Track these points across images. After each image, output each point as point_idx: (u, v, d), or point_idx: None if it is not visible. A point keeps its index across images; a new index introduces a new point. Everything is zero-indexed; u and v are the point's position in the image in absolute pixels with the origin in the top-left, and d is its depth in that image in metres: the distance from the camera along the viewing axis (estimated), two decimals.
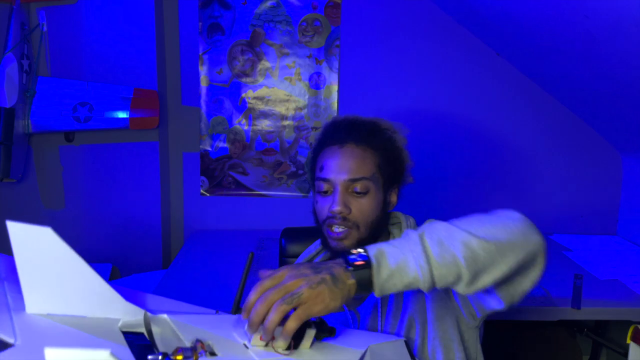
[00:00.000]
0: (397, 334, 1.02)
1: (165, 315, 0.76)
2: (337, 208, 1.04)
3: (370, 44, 2.43)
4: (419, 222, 1.16)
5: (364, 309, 1.10)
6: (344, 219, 1.05)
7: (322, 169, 1.09)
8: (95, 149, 2.32)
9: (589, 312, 1.74)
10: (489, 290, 0.91)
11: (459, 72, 2.46)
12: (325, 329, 0.79)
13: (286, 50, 2.42)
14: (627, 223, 2.50)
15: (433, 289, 0.81)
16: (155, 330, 0.74)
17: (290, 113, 2.47)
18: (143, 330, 0.73)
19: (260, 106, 2.46)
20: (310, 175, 1.15)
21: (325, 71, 2.44)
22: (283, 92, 2.45)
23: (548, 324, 1.77)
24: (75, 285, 0.72)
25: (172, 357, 0.64)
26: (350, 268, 0.79)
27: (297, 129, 2.48)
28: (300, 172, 2.52)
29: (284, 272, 0.77)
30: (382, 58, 2.44)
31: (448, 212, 2.68)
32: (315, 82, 2.45)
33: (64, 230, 2.57)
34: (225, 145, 2.48)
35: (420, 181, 2.46)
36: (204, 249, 2.28)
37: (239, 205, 2.53)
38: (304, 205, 2.53)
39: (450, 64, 2.45)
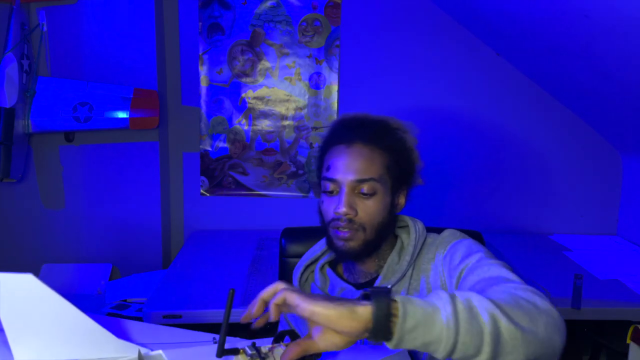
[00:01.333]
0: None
1: (160, 352, 0.74)
2: (343, 210, 1.01)
3: (370, 44, 2.43)
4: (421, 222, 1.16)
5: None
6: (350, 220, 1.02)
7: (328, 168, 1.05)
8: (95, 149, 2.32)
9: (589, 312, 1.74)
10: None
11: (459, 72, 2.46)
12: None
13: (286, 50, 2.42)
14: (627, 223, 2.50)
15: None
16: None
17: (290, 113, 2.47)
18: None
19: (260, 106, 2.46)
20: (317, 174, 1.11)
21: (325, 71, 2.44)
22: (283, 92, 2.45)
23: None
24: (64, 328, 0.70)
25: None
26: (372, 301, 0.70)
27: (297, 129, 2.48)
28: (301, 172, 2.52)
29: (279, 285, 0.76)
30: (382, 58, 2.44)
31: (446, 212, 2.69)
32: (315, 82, 2.45)
33: (64, 230, 2.56)
34: (225, 145, 2.48)
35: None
36: (204, 249, 2.28)
37: (239, 205, 2.52)
38: (304, 205, 2.53)
39: (451, 64, 2.45)
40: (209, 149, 2.48)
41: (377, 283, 1.06)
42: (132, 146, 2.32)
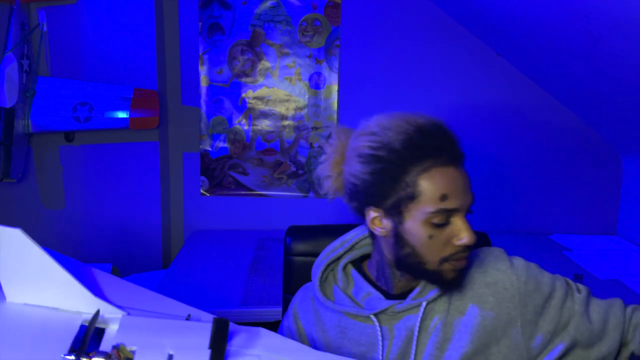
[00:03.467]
0: None
1: (119, 315, 0.77)
2: (473, 238, 0.88)
3: (370, 44, 2.43)
4: None
5: (400, 329, 0.94)
6: (468, 247, 0.90)
7: (445, 197, 0.89)
8: (95, 149, 2.32)
9: None
10: None
11: (459, 72, 2.46)
12: None
13: (286, 50, 2.42)
14: (627, 223, 2.50)
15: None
16: (100, 327, 0.77)
17: (290, 113, 2.47)
18: (102, 325, 0.76)
19: (260, 106, 2.46)
20: (392, 201, 0.90)
21: (325, 71, 2.44)
22: (283, 92, 2.45)
23: None
24: (46, 280, 0.78)
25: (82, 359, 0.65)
26: None
27: (297, 129, 2.48)
28: (301, 172, 2.52)
29: None
30: (382, 58, 2.44)
31: None
32: (315, 82, 2.45)
33: (64, 230, 2.56)
34: (225, 145, 2.48)
35: None
36: (204, 249, 2.28)
37: (239, 205, 2.52)
38: (304, 205, 2.53)
39: (451, 64, 2.45)
40: (209, 149, 2.48)
41: (413, 295, 0.95)
42: (132, 146, 2.32)
